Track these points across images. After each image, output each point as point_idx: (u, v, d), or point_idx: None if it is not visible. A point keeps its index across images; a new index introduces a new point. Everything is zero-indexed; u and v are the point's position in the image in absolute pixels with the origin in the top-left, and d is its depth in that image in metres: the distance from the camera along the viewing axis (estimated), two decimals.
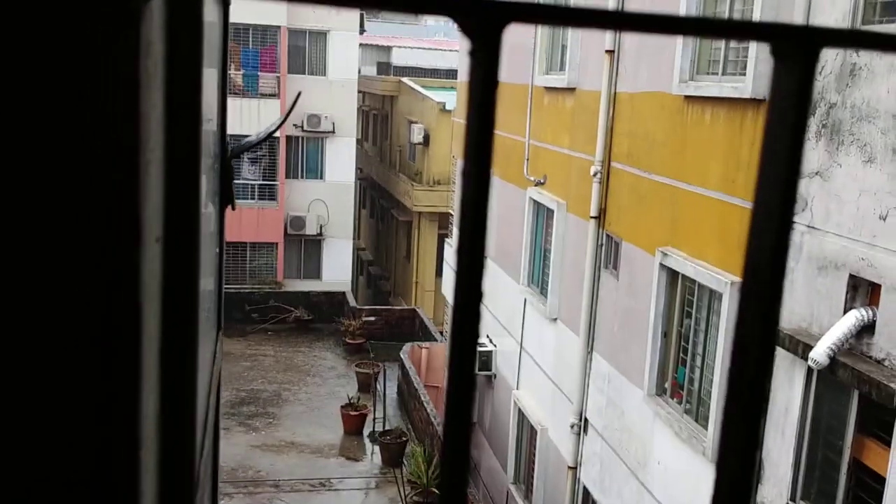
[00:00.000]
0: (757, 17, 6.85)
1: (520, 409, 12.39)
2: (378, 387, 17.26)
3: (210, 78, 1.27)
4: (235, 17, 23.60)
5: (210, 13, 1.17)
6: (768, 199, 0.42)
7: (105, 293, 0.42)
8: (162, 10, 0.50)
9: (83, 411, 0.43)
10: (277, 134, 23.65)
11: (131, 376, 0.43)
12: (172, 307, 0.57)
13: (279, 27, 23.68)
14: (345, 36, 24.67)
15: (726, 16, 7.54)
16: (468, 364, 0.41)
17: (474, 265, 0.39)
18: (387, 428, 16.19)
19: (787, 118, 0.41)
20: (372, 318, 21.64)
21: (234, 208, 1.56)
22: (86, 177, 0.40)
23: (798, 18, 6.38)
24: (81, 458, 0.43)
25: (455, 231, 0.44)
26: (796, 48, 0.41)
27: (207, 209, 1.24)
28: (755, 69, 6.81)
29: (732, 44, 7.56)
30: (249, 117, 23.05)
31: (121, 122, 0.39)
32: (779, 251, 0.43)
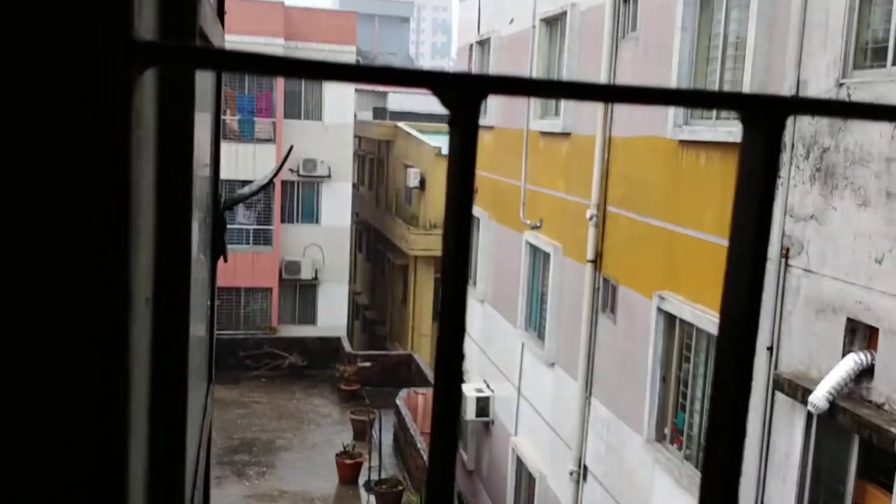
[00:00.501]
0: (748, 64, 6.97)
1: (518, 456, 12.24)
2: (374, 434, 17.06)
3: (203, 131, 1.29)
4: None
5: (203, 74, 1.20)
6: (739, 266, 0.44)
7: (93, 356, 0.42)
8: (154, 79, 0.52)
9: (70, 472, 0.43)
10: (273, 179, 23.78)
11: (119, 439, 0.43)
12: (162, 367, 0.58)
13: None
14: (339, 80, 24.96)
15: (722, 32, 7.63)
16: (454, 403, 0.41)
17: (454, 344, 0.40)
18: (383, 476, 15.95)
19: (754, 185, 0.42)
20: (367, 364, 21.48)
21: (226, 260, 1.57)
22: (76, 243, 0.41)
23: (789, 66, 6.49)
24: None
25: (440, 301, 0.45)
26: (763, 117, 0.42)
27: (199, 261, 1.26)
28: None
29: (726, 88, 7.68)
30: (245, 162, 23.21)
31: (110, 190, 0.40)
32: (751, 314, 0.44)
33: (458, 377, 0.44)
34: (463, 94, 0.41)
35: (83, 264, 0.42)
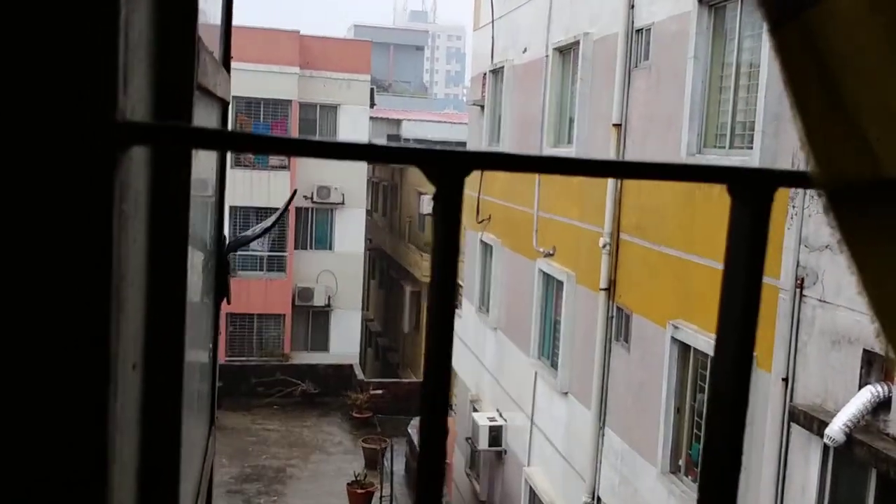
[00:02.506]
0: (762, 93, 6.96)
1: (531, 487, 12.10)
2: (385, 463, 16.94)
3: (209, 174, 1.30)
4: (247, 91, 24.20)
5: (206, 119, 1.20)
6: (729, 332, 0.43)
7: (74, 421, 0.42)
8: (147, 153, 0.52)
9: None
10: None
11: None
12: (153, 429, 0.57)
13: (290, 101, 24.26)
14: (355, 109, 25.21)
15: (735, 62, 7.64)
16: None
17: (437, 419, 0.39)
18: None
19: (742, 255, 0.42)
20: (380, 392, 21.41)
21: (229, 302, 1.57)
22: (55, 316, 0.41)
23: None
24: None
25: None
26: (751, 189, 0.42)
27: (198, 311, 1.26)
28: (762, 142, 6.89)
29: (739, 117, 7.68)
30: (260, 190, 23.39)
31: (90, 265, 0.41)
32: (741, 384, 0.43)
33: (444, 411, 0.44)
34: (448, 169, 0.41)
35: (63, 334, 0.42)
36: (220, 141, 0.39)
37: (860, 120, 0.40)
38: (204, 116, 1.09)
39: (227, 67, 1.49)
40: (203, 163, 1.15)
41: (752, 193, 0.43)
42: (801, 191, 6.48)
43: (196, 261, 1.02)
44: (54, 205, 0.40)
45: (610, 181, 9.79)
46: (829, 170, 0.42)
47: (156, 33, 0.60)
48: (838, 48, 0.40)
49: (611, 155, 9.83)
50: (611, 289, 9.84)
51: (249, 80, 22.99)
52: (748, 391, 0.46)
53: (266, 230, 2.61)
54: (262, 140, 0.41)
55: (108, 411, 0.43)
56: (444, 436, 0.43)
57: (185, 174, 0.62)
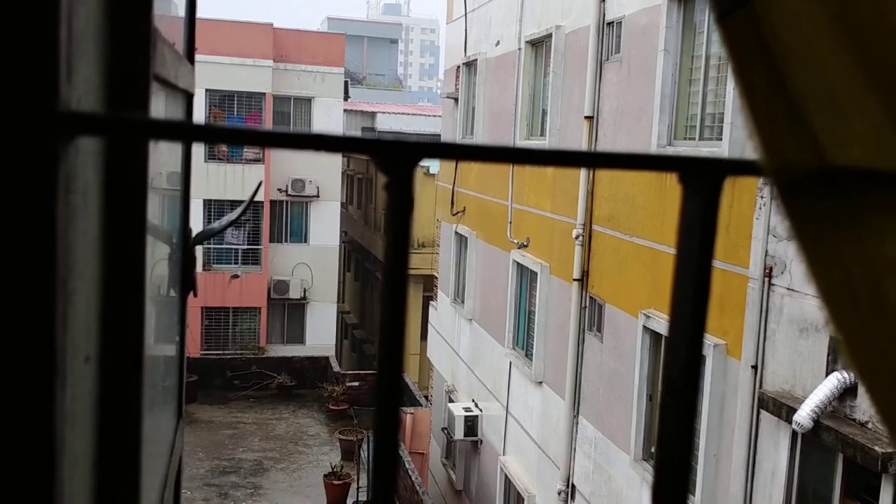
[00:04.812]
0: (731, 85, 7.03)
1: (506, 476, 12.18)
2: (362, 454, 16.94)
3: (173, 166, 1.29)
4: (221, 84, 23.97)
5: (171, 112, 1.19)
6: (680, 318, 0.44)
7: (18, 411, 0.42)
8: (99, 144, 0.52)
9: None
10: (261, 199, 23.76)
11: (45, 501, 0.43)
12: (112, 422, 0.57)
13: (264, 94, 24.06)
14: (329, 102, 25.07)
15: (704, 54, 7.70)
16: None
17: (391, 397, 0.39)
18: (371, 497, 15.82)
19: (693, 242, 0.43)
20: (356, 384, 21.38)
21: (195, 295, 1.56)
22: None
23: None
24: None
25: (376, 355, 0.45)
26: (701, 178, 0.43)
27: (168, 297, 1.25)
28: (731, 134, 6.97)
29: (709, 109, 7.76)
30: (234, 183, 23.19)
31: (32, 256, 0.40)
32: (691, 365, 0.44)
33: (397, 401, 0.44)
34: (397, 158, 0.41)
35: (5, 325, 0.41)
36: (169, 131, 0.39)
37: (805, 110, 0.41)
38: (165, 108, 1.07)
39: (191, 59, 1.48)
40: (166, 155, 1.14)
41: (702, 182, 0.43)
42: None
43: (159, 253, 1.01)
44: None
45: (582, 173, 9.85)
46: (776, 159, 0.43)
47: (107, 23, 0.59)
48: (783, 37, 0.40)
49: (583, 148, 9.88)
50: (584, 279, 9.91)
51: (223, 73, 22.75)
52: (699, 376, 0.47)
53: (232, 222, 2.59)
54: (212, 130, 0.41)
55: (54, 402, 0.42)
56: (399, 410, 0.43)
57: (141, 166, 0.61)
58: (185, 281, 1.44)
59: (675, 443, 0.42)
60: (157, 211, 1.02)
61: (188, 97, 1.34)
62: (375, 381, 0.42)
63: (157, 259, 0.97)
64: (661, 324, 8.11)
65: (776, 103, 0.41)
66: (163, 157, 1.10)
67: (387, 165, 0.40)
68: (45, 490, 0.42)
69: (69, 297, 0.45)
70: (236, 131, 0.39)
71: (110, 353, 0.57)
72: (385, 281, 0.40)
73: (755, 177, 0.44)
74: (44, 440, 0.42)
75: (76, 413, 0.49)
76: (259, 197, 23.55)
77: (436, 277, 17.16)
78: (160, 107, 0.96)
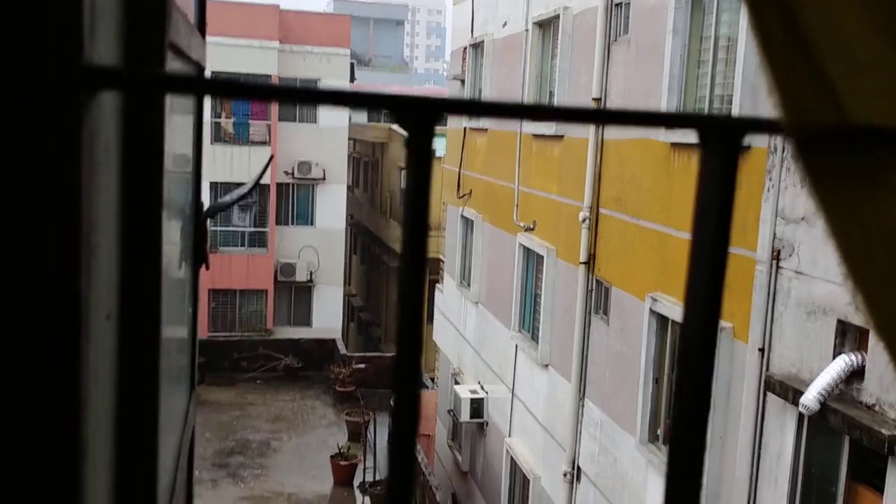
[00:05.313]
0: (739, 66, 6.98)
1: (512, 458, 12.24)
2: (369, 435, 17.05)
3: (185, 139, 1.29)
4: (227, 66, 23.94)
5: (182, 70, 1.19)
6: (697, 286, 0.44)
7: (44, 370, 0.42)
8: (116, 99, 0.52)
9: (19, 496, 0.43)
10: (268, 181, 23.76)
11: (72, 461, 0.43)
12: (131, 382, 0.57)
13: (270, 76, 23.98)
14: (335, 84, 24.98)
15: (713, 35, 7.65)
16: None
17: (411, 359, 0.40)
18: (378, 478, 15.95)
19: (713, 202, 0.43)
20: (362, 366, 21.48)
21: (207, 268, 1.57)
22: (20, 265, 0.41)
23: None
24: None
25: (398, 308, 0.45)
26: (721, 137, 0.43)
27: (181, 270, 1.25)
28: (740, 114, 6.91)
29: (717, 90, 7.70)
30: (240, 165, 23.19)
31: (58, 210, 0.40)
32: (708, 340, 0.44)
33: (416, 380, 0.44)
34: (419, 114, 0.41)
35: (33, 277, 0.42)
36: (189, 86, 0.39)
37: (822, 62, 0.41)
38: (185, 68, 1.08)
39: (203, 33, 1.47)
40: (178, 126, 1.14)
41: (722, 140, 0.43)
42: (777, 164, 6.53)
43: (173, 224, 1.02)
44: (21, 147, 0.40)
45: (590, 156, 9.81)
46: (795, 116, 0.42)
47: None
48: None
49: (590, 130, 9.83)
50: (590, 262, 9.90)
51: (229, 54, 22.68)
52: (716, 337, 0.47)
53: (243, 195, 2.60)
54: (233, 86, 0.41)
55: (80, 353, 0.43)
56: (419, 388, 0.43)
57: (158, 123, 0.61)
58: (197, 254, 1.45)
59: (691, 423, 0.43)
60: (170, 183, 1.03)
61: (200, 70, 1.35)
62: (396, 333, 0.42)
63: (172, 230, 0.97)
64: (668, 307, 8.11)
65: (793, 52, 0.41)
66: (175, 133, 1.10)
67: (407, 121, 0.40)
68: (73, 441, 0.43)
69: (92, 251, 0.45)
70: (251, 86, 0.39)
71: (129, 311, 0.57)
72: (405, 236, 0.41)
73: (774, 135, 0.44)
74: (71, 392, 0.42)
75: (98, 370, 0.50)
76: (265, 179, 23.55)
77: (442, 261, 17.17)
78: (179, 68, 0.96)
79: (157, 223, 0.62)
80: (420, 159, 0.41)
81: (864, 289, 0.43)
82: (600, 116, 0.42)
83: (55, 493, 0.43)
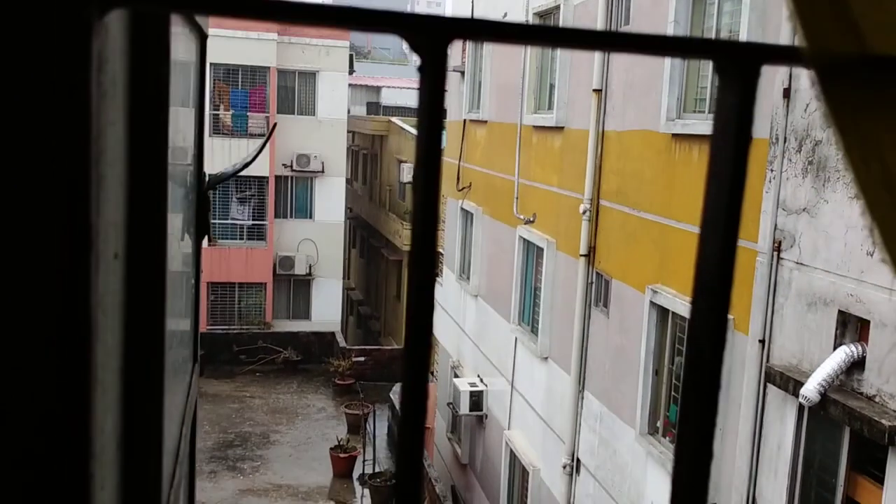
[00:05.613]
0: (744, 26, 6.93)
1: (511, 450, 12.26)
2: (368, 428, 17.08)
3: (186, 111, 1.28)
4: (225, 58, 23.86)
5: (186, 51, 1.18)
6: (714, 216, 0.43)
7: (54, 304, 0.42)
8: (123, 26, 0.51)
9: (28, 430, 0.42)
10: (267, 174, 23.73)
11: (81, 391, 0.43)
12: (137, 319, 0.57)
13: (268, 68, 23.93)
14: (334, 76, 24.92)
15: (714, 26, 7.63)
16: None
17: (426, 273, 0.39)
18: (377, 470, 15.98)
19: (730, 134, 0.42)
20: (362, 359, 21.50)
21: (210, 241, 1.56)
22: (29, 189, 0.40)
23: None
24: (27, 470, 0.42)
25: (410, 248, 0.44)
26: (737, 65, 0.42)
27: (184, 240, 1.25)
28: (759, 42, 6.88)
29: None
30: (239, 157, 23.11)
31: (67, 136, 0.40)
32: (725, 266, 0.43)
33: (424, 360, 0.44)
34: (431, 35, 0.40)
35: (40, 210, 0.41)
36: (195, 3, 0.38)
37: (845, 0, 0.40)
38: (183, 46, 1.06)
39: None
40: (181, 92, 1.13)
41: (739, 68, 0.42)
42: (779, 154, 6.51)
43: (179, 189, 1.01)
44: (28, 69, 0.39)
45: (590, 148, 9.80)
46: (816, 44, 0.42)
47: None
48: None
49: (591, 122, 9.82)
50: (590, 255, 9.89)
51: (227, 46, 22.62)
52: (732, 276, 0.46)
53: (245, 165, 2.58)
54: (237, 3, 0.40)
55: (90, 282, 0.42)
56: (426, 376, 0.42)
57: (164, 48, 0.60)
58: (200, 224, 1.44)
59: (699, 414, 0.42)
60: (172, 152, 1.02)
61: (202, 38, 1.34)
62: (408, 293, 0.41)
63: (175, 199, 0.96)
64: (668, 299, 8.11)
65: None
66: (179, 124, 1.10)
67: (420, 42, 0.40)
68: (82, 372, 0.42)
69: (101, 180, 0.45)
70: (258, 3, 0.38)
71: (136, 252, 0.57)
72: (419, 157, 0.40)
73: (794, 64, 0.43)
74: (80, 320, 0.42)
75: (107, 307, 0.50)
76: (264, 172, 23.52)
77: (441, 254, 17.17)
78: (178, 44, 0.95)
79: (162, 163, 0.62)
80: (432, 81, 0.40)
81: (882, 223, 0.43)
82: (615, 41, 0.41)
83: (68, 432, 0.42)
